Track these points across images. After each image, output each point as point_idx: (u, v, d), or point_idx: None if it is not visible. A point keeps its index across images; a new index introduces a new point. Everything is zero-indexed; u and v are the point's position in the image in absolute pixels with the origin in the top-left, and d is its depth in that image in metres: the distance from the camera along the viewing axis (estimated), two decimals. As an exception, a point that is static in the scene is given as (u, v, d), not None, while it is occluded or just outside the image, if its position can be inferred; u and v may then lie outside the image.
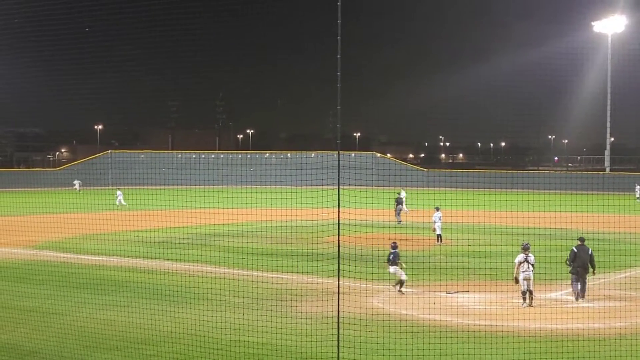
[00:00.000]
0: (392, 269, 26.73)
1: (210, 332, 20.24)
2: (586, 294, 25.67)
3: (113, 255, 34.05)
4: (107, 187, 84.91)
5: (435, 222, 40.88)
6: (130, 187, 78.45)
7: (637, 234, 43.68)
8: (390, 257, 26.81)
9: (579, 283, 25.67)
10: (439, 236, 40.61)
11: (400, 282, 26.60)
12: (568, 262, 26.07)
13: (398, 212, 52.31)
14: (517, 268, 24.51)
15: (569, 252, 26.36)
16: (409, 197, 56.02)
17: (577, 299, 25.50)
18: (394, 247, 27.11)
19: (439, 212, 40.73)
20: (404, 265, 26.91)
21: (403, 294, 26.21)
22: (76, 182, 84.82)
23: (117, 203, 66.13)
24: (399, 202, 52.99)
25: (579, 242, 26.34)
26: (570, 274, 25.98)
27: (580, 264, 25.69)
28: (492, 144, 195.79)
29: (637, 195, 73.09)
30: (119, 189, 70.46)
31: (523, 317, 22.69)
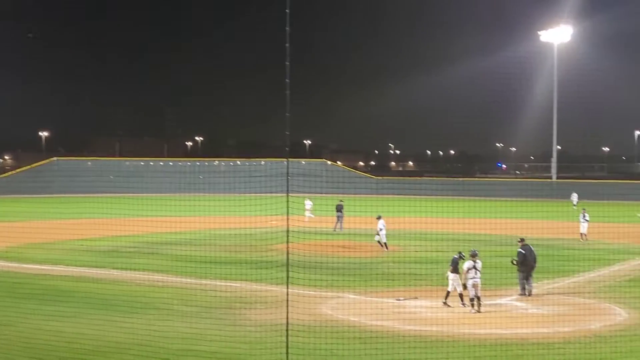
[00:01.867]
0: (451, 275, 25.53)
1: (159, 341, 20.04)
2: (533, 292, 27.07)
3: (59, 264, 33.53)
4: (53, 195, 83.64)
5: (380, 230, 40.94)
6: (77, 195, 77.47)
7: (578, 240, 44.51)
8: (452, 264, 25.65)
9: (527, 280, 27.17)
10: (385, 244, 40.71)
11: (447, 293, 25.41)
12: (515, 263, 27.13)
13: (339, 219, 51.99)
14: (466, 274, 24.74)
15: (516, 255, 27.56)
16: (353, 205, 56.25)
17: (526, 295, 26.90)
18: (460, 255, 25.71)
19: (381, 220, 40.70)
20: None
21: (449, 306, 25.12)
22: None
23: None
24: (339, 209, 52.65)
25: (521, 243, 27.60)
26: (519, 273, 27.28)
27: (529, 263, 27.24)
28: (441, 152, 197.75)
29: (574, 202, 74.35)
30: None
31: (471, 323, 22.89)
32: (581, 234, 46.03)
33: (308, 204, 55.79)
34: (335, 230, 50.27)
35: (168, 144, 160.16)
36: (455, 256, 25.60)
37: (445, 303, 25.12)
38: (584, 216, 46.93)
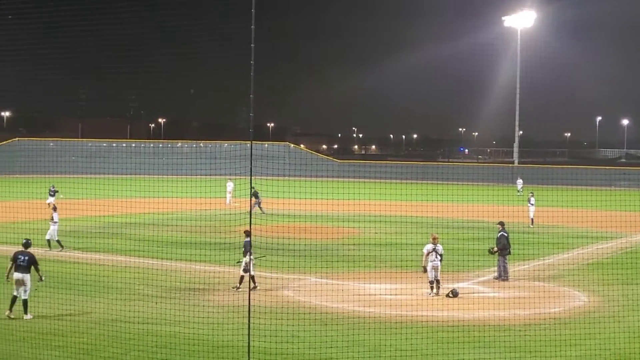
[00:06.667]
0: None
1: (120, 323, 20.04)
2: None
3: (17, 245, 33.20)
4: (14, 175, 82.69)
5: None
6: (38, 176, 76.61)
7: (545, 225, 45.03)
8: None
9: (504, 264, 27.71)
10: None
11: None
12: (496, 250, 27.82)
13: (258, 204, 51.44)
14: (426, 257, 24.96)
15: (495, 239, 28.18)
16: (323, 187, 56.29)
17: (503, 279, 27.45)
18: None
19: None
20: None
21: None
22: None
23: None
24: (255, 195, 51.90)
25: (500, 227, 27.96)
26: (499, 257, 27.75)
27: (506, 246, 27.79)
28: (404, 136, 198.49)
29: (519, 188, 74.74)
30: None
31: (431, 307, 23.13)
32: (531, 219, 46.76)
33: (230, 185, 55.79)
34: (263, 212, 49.58)
35: (131, 125, 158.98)
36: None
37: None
38: (530, 200, 47.75)
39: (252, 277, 24.81)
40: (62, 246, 33.17)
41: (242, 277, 24.89)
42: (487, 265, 29.20)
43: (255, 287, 24.69)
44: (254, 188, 51.34)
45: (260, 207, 50.77)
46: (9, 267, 21.20)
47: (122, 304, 21.93)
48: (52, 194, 51.22)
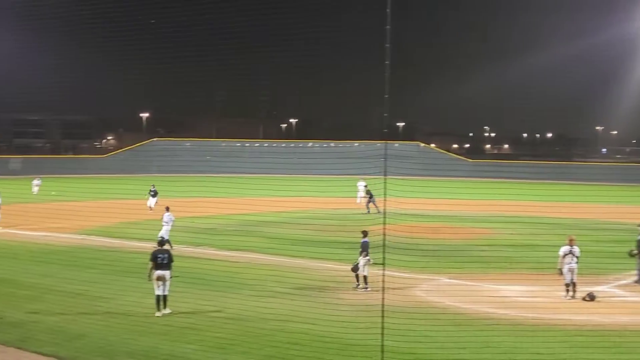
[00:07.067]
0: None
1: (252, 319, 20.41)
2: None
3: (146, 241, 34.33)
4: (152, 175, 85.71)
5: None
6: (174, 175, 79.09)
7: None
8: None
9: None
10: None
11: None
12: (637, 250, 26.54)
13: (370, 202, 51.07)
14: (562, 259, 24.29)
15: (638, 240, 26.80)
16: (449, 188, 55.77)
17: None
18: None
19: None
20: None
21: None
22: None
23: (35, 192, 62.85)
24: (369, 194, 51.52)
25: None
26: (638, 260, 26.58)
27: None
28: (538, 135, 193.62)
29: None
30: (37, 177, 66.03)
31: (567, 310, 22.48)
32: None
33: (361, 185, 55.39)
34: (369, 212, 49.45)
35: (264, 125, 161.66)
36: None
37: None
38: None
39: (364, 278, 24.92)
40: (170, 246, 33.28)
41: (364, 277, 25.02)
42: (626, 269, 28.05)
43: (366, 288, 24.75)
44: (367, 186, 51.71)
45: (370, 206, 50.65)
46: (150, 267, 21.75)
47: (255, 301, 22.32)
48: (153, 194, 50.25)
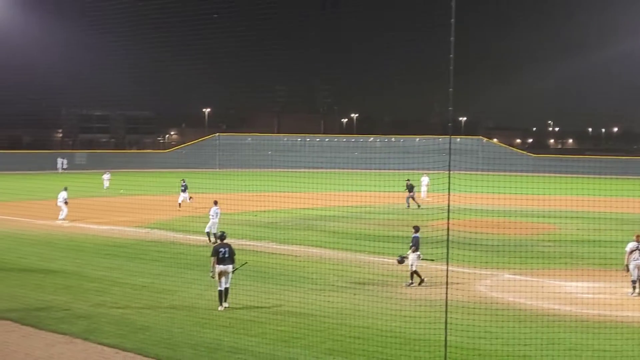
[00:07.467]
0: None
1: (314, 313, 20.48)
2: None
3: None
4: (215, 170, 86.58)
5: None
6: (236, 170, 79.60)
7: None
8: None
9: None
10: None
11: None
12: None
13: (411, 197, 51.21)
14: (628, 256, 23.86)
15: None
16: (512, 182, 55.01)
17: None
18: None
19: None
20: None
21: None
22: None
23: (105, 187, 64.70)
24: (410, 188, 51.22)
25: None
26: None
27: None
28: (603, 130, 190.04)
29: None
30: (107, 171, 67.93)
31: (633, 307, 22.08)
32: None
33: (425, 179, 55.05)
34: (409, 207, 49.63)
35: (324, 120, 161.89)
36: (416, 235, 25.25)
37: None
38: None
39: (415, 273, 24.83)
40: (210, 240, 33.35)
41: (412, 273, 25.03)
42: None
43: (411, 284, 24.69)
44: (409, 181, 51.46)
45: (411, 200, 50.41)
46: (213, 262, 21.87)
47: (316, 295, 22.41)
48: (184, 189, 49.55)
